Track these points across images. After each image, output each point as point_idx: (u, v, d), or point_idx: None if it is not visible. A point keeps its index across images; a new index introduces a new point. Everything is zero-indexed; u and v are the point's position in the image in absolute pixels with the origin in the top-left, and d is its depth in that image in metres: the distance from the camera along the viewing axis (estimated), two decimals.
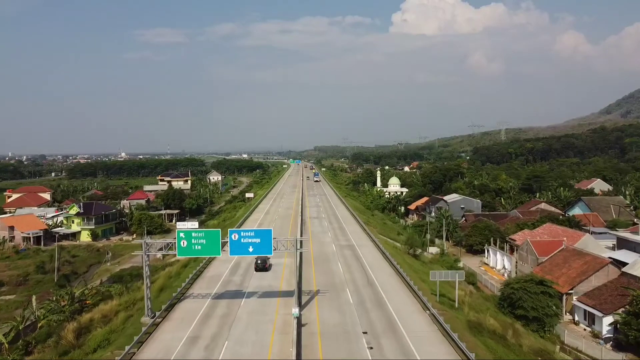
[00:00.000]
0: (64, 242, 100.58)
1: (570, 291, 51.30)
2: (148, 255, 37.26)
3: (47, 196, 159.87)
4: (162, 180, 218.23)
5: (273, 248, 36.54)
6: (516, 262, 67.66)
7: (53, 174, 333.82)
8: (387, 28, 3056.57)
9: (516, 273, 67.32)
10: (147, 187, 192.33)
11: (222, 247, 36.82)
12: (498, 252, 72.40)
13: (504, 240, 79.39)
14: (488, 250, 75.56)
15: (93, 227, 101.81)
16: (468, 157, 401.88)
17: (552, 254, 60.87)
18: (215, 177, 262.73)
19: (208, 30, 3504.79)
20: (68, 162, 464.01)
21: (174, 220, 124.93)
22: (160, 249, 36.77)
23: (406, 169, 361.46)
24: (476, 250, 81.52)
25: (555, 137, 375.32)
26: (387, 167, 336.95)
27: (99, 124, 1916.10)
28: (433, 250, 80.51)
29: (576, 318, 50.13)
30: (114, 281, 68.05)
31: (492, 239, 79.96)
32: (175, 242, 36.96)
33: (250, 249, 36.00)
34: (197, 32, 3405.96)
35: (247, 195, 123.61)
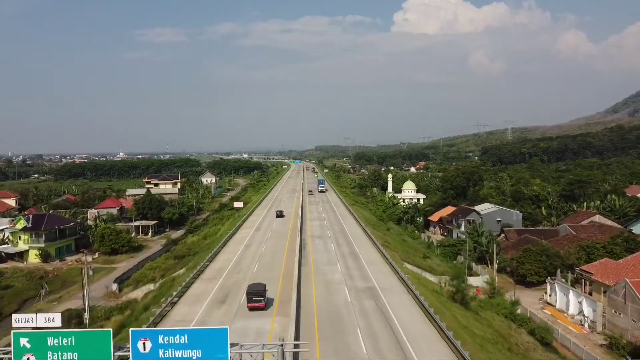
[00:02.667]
0: (9, 264, 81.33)
1: None
2: None
3: (12, 202, 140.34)
4: (148, 182, 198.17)
5: None
6: (604, 309, 48.02)
7: (36, 175, 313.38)
8: (388, 27, 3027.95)
9: (604, 326, 47.70)
10: (130, 191, 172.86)
11: None
12: (571, 292, 52.62)
13: (569, 270, 59.85)
14: (554, 287, 55.75)
15: (43, 245, 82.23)
16: (476, 157, 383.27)
17: None
18: (208, 179, 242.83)
19: (209, 30, 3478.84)
20: (63, 162, 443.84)
21: (150, 234, 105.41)
22: None
23: (412, 169, 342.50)
24: (530, 282, 61.93)
25: (569, 136, 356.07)
26: (392, 168, 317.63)
27: (99, 124, 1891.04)
28: (474, 282, 60.83)
29: None
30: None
31: (551, 268, 60.53)
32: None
33: None
34: (198, 32, 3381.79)
35: (236, 204, 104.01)
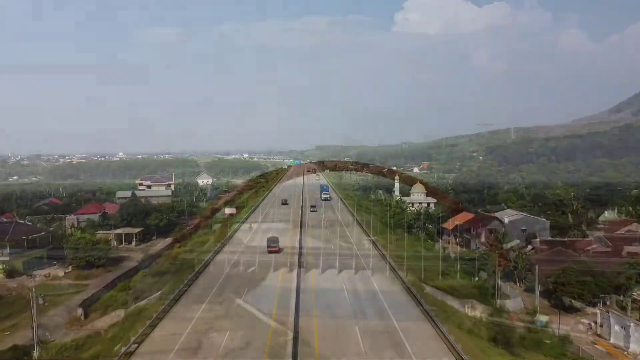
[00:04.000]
0: None
1: None
2: None
3: None
4: (141, 184, 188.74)
5: None
6: None
7: (15, 177, 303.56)
8: (389, 27, 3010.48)
9: None
10: (120, 194, 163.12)
11: None
12: (633, 325, 42.70)
13: (621, 293, 50.11)
14: (609, 317, 45.83)
15: (7, 258, 72.45)
16: (481, 157, 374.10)
17: None
18: (205, 180, 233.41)
19: (209, 30, 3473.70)
20: (60, 163, 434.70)
21: (134, 242, 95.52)
22: None
23: (415, 170, 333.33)
24: (571, 306, 52.08)
25: (577, 135, 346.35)
26: (394, 168, 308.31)
27: (99, 124, 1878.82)
28: (509, 305, 50.93)
29: None
30: None
31: (596, 290, 50.70)
32: None
33: None
34: (198, 32, 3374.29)
35: (227, 211, 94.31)
